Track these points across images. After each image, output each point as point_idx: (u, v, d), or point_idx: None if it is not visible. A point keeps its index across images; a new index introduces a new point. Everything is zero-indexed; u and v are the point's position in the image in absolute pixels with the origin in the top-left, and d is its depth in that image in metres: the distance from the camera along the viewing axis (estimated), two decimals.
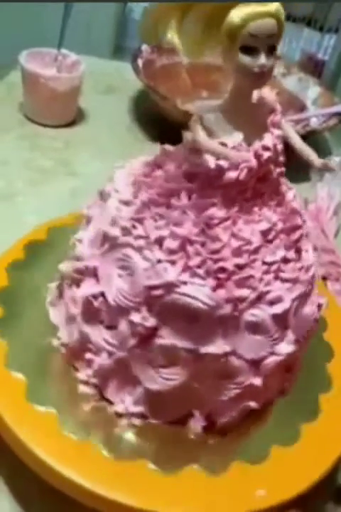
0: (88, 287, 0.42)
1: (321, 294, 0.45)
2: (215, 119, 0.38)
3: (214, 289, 0.37)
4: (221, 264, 0.38)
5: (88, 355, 0.43)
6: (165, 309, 0.38)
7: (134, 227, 0.40)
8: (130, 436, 0.41)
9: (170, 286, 0.38)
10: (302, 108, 0.94)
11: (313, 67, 1.63)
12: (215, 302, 0.37)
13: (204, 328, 0.38)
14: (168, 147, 0.43)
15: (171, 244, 0.38)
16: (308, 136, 0.87)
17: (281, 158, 0.41)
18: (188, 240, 0.38)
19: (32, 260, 0.52)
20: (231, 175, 0.38)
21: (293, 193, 0.43)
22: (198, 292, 0.37)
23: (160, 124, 0.86)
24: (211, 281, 0.37)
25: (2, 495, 0.42)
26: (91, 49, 1.05)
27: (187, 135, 0.40)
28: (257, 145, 0.38)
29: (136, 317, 0.39)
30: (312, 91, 0.97)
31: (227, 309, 0.37)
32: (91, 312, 0.42)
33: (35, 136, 0.84)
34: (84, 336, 0.43)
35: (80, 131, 0.88)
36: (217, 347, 0.38)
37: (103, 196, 0.44)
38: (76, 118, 0.89)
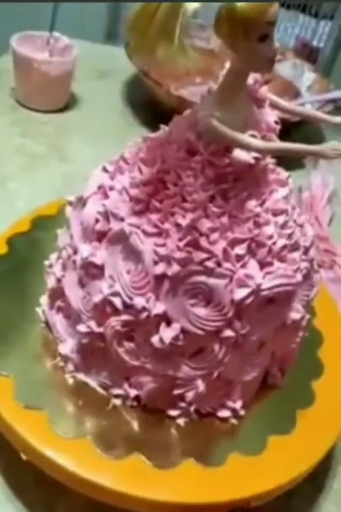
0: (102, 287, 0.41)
1: None
2: (228, 114, 0.37)
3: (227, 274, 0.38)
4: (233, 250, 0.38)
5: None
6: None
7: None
8: (125, 429, 0.41)
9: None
10: (296, 94, 0.94)
11: (308, 54, 1.62)
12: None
13: (214, 309, 0.38)
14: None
15: (179, 234, 0.38)
16: (303, 123, 0.86)
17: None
18: (197, 229, 0.38)
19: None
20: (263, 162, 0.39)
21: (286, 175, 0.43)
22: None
23: (154, 109, 0.85)
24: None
25: None
26: (84, 34, 1.04)
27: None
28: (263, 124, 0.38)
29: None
30: (306, 77, 0.96)
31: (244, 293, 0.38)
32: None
33: (26, 121, 0.83)
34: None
35: (72, 117, 0.87)
36: (231, 330, 0.39)
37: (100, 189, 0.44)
38: (68, 103, 0.88)
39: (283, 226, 0.40)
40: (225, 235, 0.38)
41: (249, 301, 0.38)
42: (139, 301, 0.38)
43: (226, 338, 0.38)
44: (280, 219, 0.40)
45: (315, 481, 0.46)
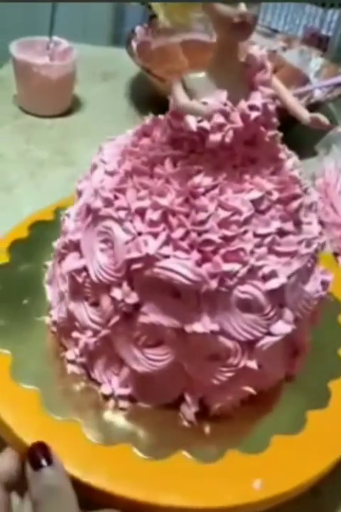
0: (71, 261, 0.40)
1: (327, 270, 0.41)
2: (200, 80, 0.35)
3: (199, 263, 0.34)
4: (206, 236, 0.34)
5: (74, 334, 0.41)
6: (147, 284, 0.36)
7: (116, 197, 0.37)
8: (118, 419, 0.39)
9: (150, 260, 0.35)
10: (305, 81, 0.91)
11: (317, 43, 1.58)
12: (199, 277, 0.34)
13: (188, 304, 0.35)
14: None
15: (153, 215, 0.35)
16: (312, 109, 0.83)
17: (274, 120, 0.37)
18: (171, 210, 0.35)
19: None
20: (215, 138, 0.35)
21: (292, 161, 0.40)
22: (180, 266, 0.34)
23: (159, 106, 0.83)
24: (195, 255, 0.35)
25: None
26: (88, 38, 1.03)
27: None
28: (243, 104, 0.35)
29: (117, 293, 0.37)
30: (314, 63, 0.93)
31: (213, 285, 0.34)
32: (75, 288, 0.40)
33: (30, 127, 0.81)
34: (70, 313, 0.41)
35: (77, 120, 0.85)
36: (202, 325, 0.35)
37: (92, 168, 0.42)
38: (72, 106, 0.87)
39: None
40: None
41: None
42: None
43: None
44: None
45: None
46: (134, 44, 0.88)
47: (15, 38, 0.82)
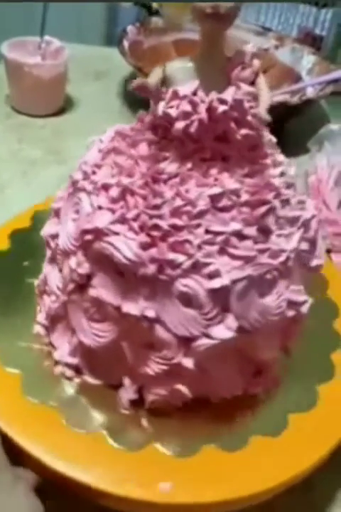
0: (49, 226, 0.42)
1: (303, 292, 0.39)
2: (182, 69, 0.35)
3: (145, 246, 0.34)
4: (156, 221, 0.34)
5: (44, 297, 0.43)
6: (97, 258, 0.36)
7: (93, 172, 0.39)
8: (67, 389, 0.40)
9: (99, 234, 0.36)
10: (297, 79, 0.90)
11: (311, 42, 1.58)
12: (138, 259, 0.34)
13: (129, 285, 0.35)
14: None
15: (113, 192, 0.36)
16: (305, 106, 0.84)
17: (249, 119, 0.36)
18: (130, 190, 0.36)
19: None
20: (179, 125, 0.35)
21: (280, 169, 0.38)
22: (123, 245, 0.35)
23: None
24: (143, 237, 0.35)
25: None
26: (81, 38, 1.03)
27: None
28: (212, 96, 0.34)
29: (72, 262, 0.38)
30: (306, 60, 0.92)
31: (151, 269, 0.34)
32: (50, 253, 0.42)
33: (22, 126, 0.81)
34: (45, 276, 0.43)
35: (69, 119, 0.85)
36: (137, 308, 0.35)
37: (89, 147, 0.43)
38: (64, 106, 0.86)
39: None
40: None
41: None
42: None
43: None
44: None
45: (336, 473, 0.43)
46: (126, 43, 0.88)
47: (6, 38, 0.82)
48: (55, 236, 0.41)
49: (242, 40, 0.37)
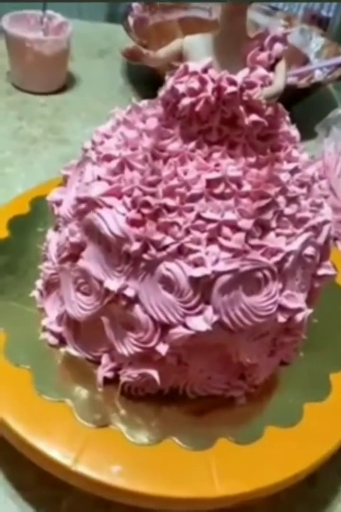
0: (54, 193, 0.42)
1: (298, 300, 0.36)
2: (200, 43, 0.34)
3: (134, 222, 0.33)
4: (147, 198, 0.33)
5: (44, 263, 0.43)
6: (89, 229, 0.36)
7: (102, 143, 0.38)
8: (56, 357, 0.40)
9: (91, 204, 0.35)
10: (305, 61, 0.88)
11: (317, 24, 1.56)
12: (123, 235, 0.33)
13: (113, 260, 0.35)
14: None
15: (113, 164, 0.35)
16: (313, 90, 0.82)
17: (267, 109, 0.33)
18: (129, 163, 0.35)
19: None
20: (185, 102, 0.33)
21: (293, 165, 0.36)
22: (111, 218, 0.34)
23: (155, 84, 0.81)
24: (133, 214, 0.33)
25: None
26: (83, 16, 1.00)
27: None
28: (221, 74, 0.33)
29: (66, 230, 0.38)
30: (315, 42, 0.90)
31: (134, 247, 0.33)
32: (55, 219, 0.42)
33: (23, 104, 0.79)
34: (47, 242, 0.43)
35: (71, 97, 0.82)
36: (117, 284, 0.34)
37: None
38: (66, 83, 0.84)
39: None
40: None
41: None
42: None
43: None
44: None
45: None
46: (131, 20, 0.85)
47: (6, 11, 0.79)
48: (59, 203, 0.41)
49: (250, 20, 0.34)
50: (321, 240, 0.37)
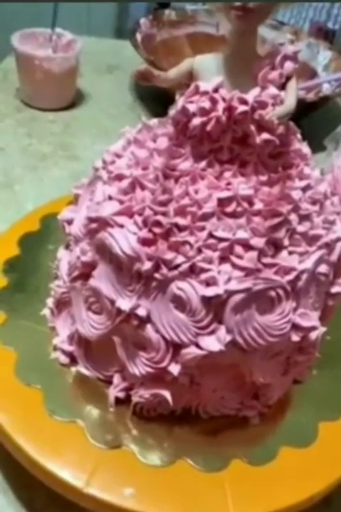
0: (66, 211, 0.42)
1: (312, 318, 0.36)
2: (210, 62, 0.34)
3: (145, 242, 0.33)
4: (159, 217, 0.33)
5: (55, 281, 0.43)
6: (100, 248, 0.36)
7: (113, 162, 0.38)
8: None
9: (102, 223, 0.35)
10: (313, 75, 0.88)
11: (324, 37, 1.56)
12: (135, 254, 0.33)
13: (125, 280, 0.34)
14: None
15: (125, 183, 0.35)
16: (321, 103, 0.81)
17: (279, 127, 0.33)
18: (140, 183, 0.35)
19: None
20: (196, 122, 0.33)
21: (305, 183, 0.35)
22: (123, 238, 0.34)
23: (163, 100, 0.81)
24: (145, 233, 0.33)
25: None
26: (92, 32, 1.01)
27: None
28: (232, 94, 0.33)
29: (78, 249, 0.38)
30: (322, 56, 0.90)
31: (146, 266, 0.33)
32: (66, 237, 0.42)
33: (32, 121, 0.80)
34: (58, 261, 0.43)
35: (80, 114, 0.83)
36: (128, 304, 0.34)
37: None
38: (75, 100, 0.84)
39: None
40: None
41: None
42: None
43: None
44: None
45: None
46: (139, 36, 0.86)
47: (16, 30, 0.80)
48: (70, 221, 0.41)
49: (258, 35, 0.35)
50: (334, 257, 0.37)
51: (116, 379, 0.38)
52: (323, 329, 0.37)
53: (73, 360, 0.40)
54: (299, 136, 0.37)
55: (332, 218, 0.37)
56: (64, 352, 0.41)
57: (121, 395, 0.38)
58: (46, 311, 0.44)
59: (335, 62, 0.88)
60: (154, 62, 0.81)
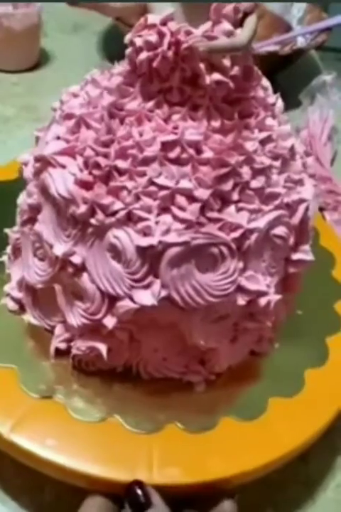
0: (25, 154, 0.40)
1: (260, 281, 0.33)
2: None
3: (82, 184, 0.31)
4: (98, 159, 0.31)
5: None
6: (43, 189, 0.34)
7: (68, 101, 0.36)
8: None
9: (45, 163, 0.33)
10: (287, 29, 0.84)
11: None
12: (70, 196, 0.31)
13: (62, 224, 0.33)
14: None
15: (71, 122, 0.34)
16: (296, 57, 0.77)
17: (227, 64, 0.30)
18: (85, 122, 0.33)
19: None
20: (142, 57, 0.31)
21: (266, 134, 0.33)
22: (60, 178, 0.32)
23: None
24: (83, 175, 0.32)
25: None
26: None
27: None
28: (179, 27, 0.30)
29: (25, 191, 0.37)
30: (296, 9, 0.87)
31: (81, 209, 0.31)
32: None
33: None
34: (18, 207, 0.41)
35: (45, 74, 0.78)
36: (61, 249, 0.32)
37: None
38: (40, 60, 0.79)
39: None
40: None
41: None
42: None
43: None
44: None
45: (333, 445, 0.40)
46: None
47: None
48: (26, 164, 0.39)
49: None
50: (296, 220, 0.34)
51: (59, 329, 0.37)
52: (276, 297, 0.34)
53: (22, 308, 0.39)
54: (265, 84, 0.34)
55: (298, 177, 0.35)
56: (13, 299, 0.39)
57: (63, 346, 0.37)
58: (4, 258, 0.42)
59: (310, 15, 0.84)
60: (124, 20, 0.78)
